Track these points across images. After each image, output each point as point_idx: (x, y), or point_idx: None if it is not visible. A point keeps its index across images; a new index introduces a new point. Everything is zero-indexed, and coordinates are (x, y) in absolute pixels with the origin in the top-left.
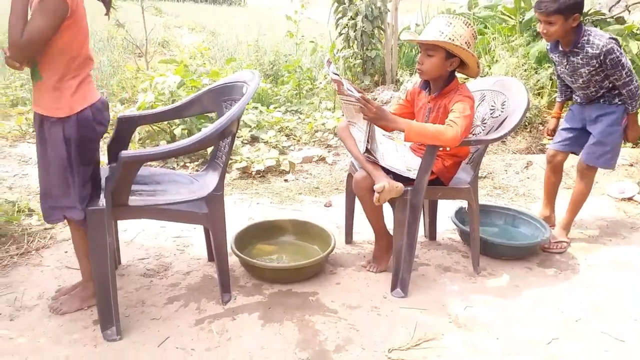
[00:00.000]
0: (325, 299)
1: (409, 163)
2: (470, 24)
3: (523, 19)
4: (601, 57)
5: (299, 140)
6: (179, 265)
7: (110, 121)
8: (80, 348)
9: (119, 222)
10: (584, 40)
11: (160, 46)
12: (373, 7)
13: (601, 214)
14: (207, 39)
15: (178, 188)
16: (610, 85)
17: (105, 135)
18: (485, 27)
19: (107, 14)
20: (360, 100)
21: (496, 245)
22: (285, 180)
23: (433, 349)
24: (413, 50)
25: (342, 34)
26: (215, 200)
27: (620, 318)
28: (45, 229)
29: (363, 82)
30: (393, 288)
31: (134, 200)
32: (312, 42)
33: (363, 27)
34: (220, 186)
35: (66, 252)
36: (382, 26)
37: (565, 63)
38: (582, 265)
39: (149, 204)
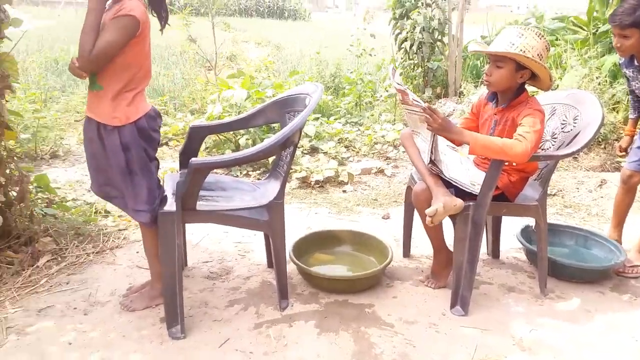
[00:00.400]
0: (381, 312)
1: (473, 177)
2: (542, 35)
3: (597, 30)
4: None
5: (358, 152)
6: (240, 269)
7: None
8: (147, 344)
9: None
10: None
11: (229, 60)
12: (431, 18)
13: None
14: (272, 53)
15: (242, 195)
16: None
17: (176, 143)
18: (557, 39)
19: (162, 29)
20: (426, 110)
21: (566, 266)
22: (344, 191)
23: None
24: (479, 61)
25: (401, 48)
26: (275, 208)
27: None
28: (119, 229)
29: (424, 93)
30: (453, 305)
31: (201, 205)
32: (371, 54)
33: (422, 38)
34: (281, 194)
35: (137, 252)
36: (444, 38)
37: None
38: None
39: (214, 209)
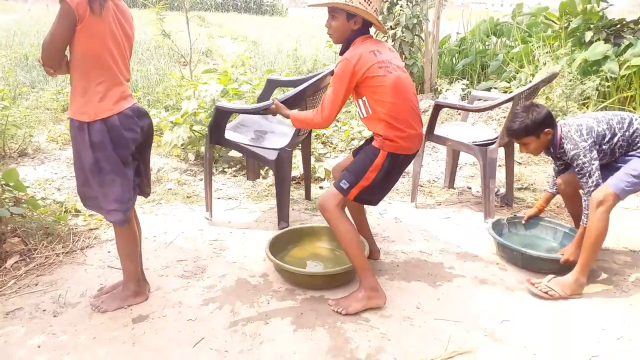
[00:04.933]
0: None
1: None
2: None
3: (569, 25)
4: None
5: (335, 148)
6: (215, 268)
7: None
8: (119, 346)
9: (156, 222)
10: (562, 146)
11: (204, 55)
12: (414, 16)
13: None
14: (249, 48)
15: (271, 137)
16: (616, 147)
17: (209, 118)
18: (530, 35)
19: (93, 11)
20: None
21: (534, 258)
22: (321, 187)
23: None
24: (453, 59)
25: None
26: (283, 153)
27: None
28: (90, 229)
29: None
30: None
31: (230, 135)
32: None
33: (403, 36)
34: (290, 144)
35: (109, 252)
36: (422, 35)
37: (560, 162)
38: (627, 281)
39: (237, 141)
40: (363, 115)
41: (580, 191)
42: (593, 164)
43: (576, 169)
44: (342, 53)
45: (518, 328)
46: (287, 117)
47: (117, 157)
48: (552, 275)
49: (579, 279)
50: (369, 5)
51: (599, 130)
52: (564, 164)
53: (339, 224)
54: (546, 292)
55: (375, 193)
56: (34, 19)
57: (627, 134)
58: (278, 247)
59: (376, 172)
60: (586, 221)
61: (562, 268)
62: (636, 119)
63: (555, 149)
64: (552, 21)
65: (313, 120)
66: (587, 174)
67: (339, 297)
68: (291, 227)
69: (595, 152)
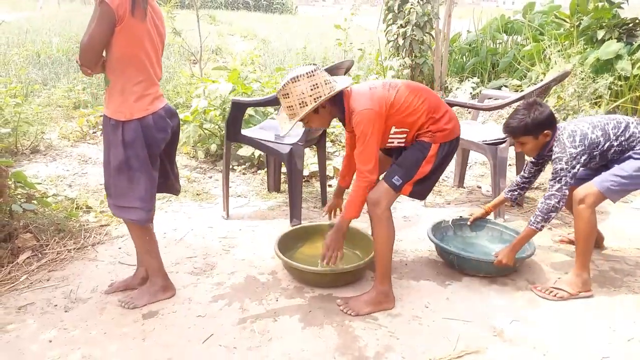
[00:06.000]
0: None
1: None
2: (296, 78)
3: (580, 23)
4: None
5: (343, 146)
6: (224, 265)
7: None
8: (129, 341)
9: (165, 219)
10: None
11: (214, 53)
12: (425, 14)
13: None
14: (259, 47)
15: (288, 140)
16: (609, 152)
17: (219, 116)
18: (541, 33)
19: (132, 11)
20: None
21: (467, 260)
22: (329, 186)
23: None
24: (464, 57)
25: (390, 41)
26: (295, 147)
27: None
28: (101, 225)
29: None
30: None
31: (246, 132)
32: (360, 49)
33: (413, 34)
34: (302, 139)
35: (120, 248)
36: (432, 33)
37: (536, 167)
38: (638, 282)
39: (252, 136)
40: (402, 143)
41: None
42: (569, 174)
43: (552, 171)
44: (346, 121)
45: (528, 328)
46: (347, 225)
47: (146, 156)
48: (558, 278)
49: (581, 275)
50: (319, 89)
51: (593, 137)
52: (536, 171)
53: (387, 224)
54: (554, 295)
55: (428, 185)
56: (45, 17)
57: (621, 139)
58: (287, 244)
59: (432, 164)
60: (532, 221)
61: (499, 271)
62: (632, 123)
63: (544, 150)
64: (563, 19)
65: (362, 186)
66: (558, 179)
67: (348, 297)
68: (301, 225)
69: (578, 163)
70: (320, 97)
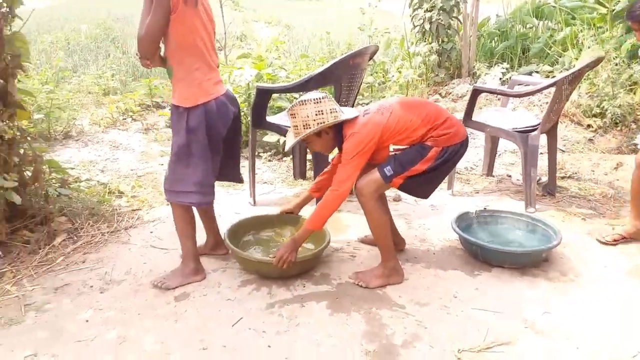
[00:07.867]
0: (392, 294)
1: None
2: (303, 102)
3: (615, 9)
4: None
5: None
6: None
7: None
8: (162, 322)
9: None
10: None
11: (239, 40)
12: None
13: None
14: (283, 32)
15: None
16: None
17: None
18: (573, 18)
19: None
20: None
21: (492, 251)
22: None
23: (506, 354)
24: (493, 42)
25: (416, 26)
26: None
27: None
28: (133, 210)
29: (438, 74)
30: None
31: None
32: (387, 32)
33: (440, 19)
34: None
35: (151, 232)
36: (459, 17)
37: None
38: None
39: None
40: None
41: None
42: None
43: None
44: (342, 147)
45: (560, 320)
46: (307, 233)
47: (206, 142)
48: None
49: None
50: (323, 116)
51: None
52: None
53: (372, 212)
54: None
55: (424, 182)
56: (75, 3)
57: None
58: (238, 234)
59: (429, 164)
60: None
61: (526, 262)
62: None
63: None
64: (600, 3)
65: (334, 198)
66: None
67: (358, 271)
68: (253, 215)
69: None
70: (323, 123)
